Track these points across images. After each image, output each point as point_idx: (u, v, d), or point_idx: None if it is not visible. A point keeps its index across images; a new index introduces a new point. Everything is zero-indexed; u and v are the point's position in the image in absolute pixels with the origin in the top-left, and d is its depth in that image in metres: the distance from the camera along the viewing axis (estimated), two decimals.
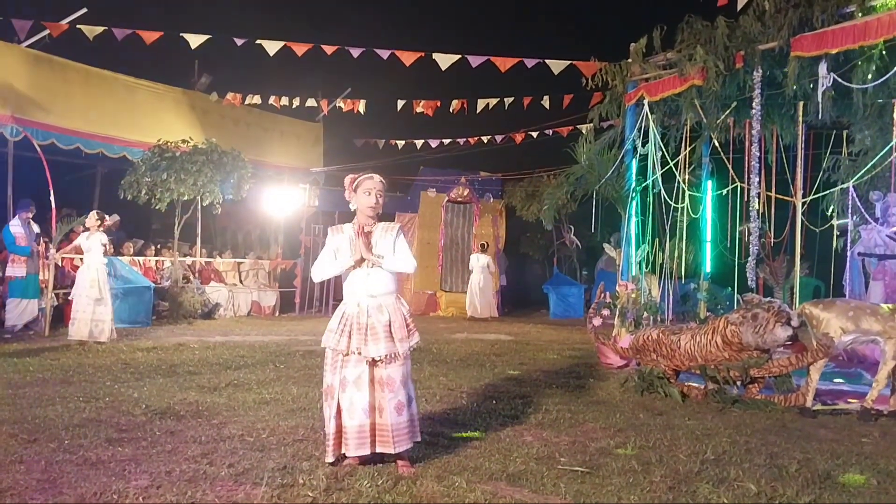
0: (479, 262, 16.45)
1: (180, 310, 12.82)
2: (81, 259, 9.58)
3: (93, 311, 9.30)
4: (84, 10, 11.79)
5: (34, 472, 3.97)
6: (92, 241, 9.39)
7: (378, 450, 4.21)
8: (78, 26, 11.47)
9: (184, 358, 8.40)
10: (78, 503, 3.58)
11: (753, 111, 8.08)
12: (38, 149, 10.82)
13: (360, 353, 4.21)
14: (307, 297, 16.11)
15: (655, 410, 6.17)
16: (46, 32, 12.06)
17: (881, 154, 8.47)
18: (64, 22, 11.71)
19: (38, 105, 12.39)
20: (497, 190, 18.18)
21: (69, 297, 10.05)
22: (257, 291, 15.25)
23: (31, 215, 10.33)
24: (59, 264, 11.22)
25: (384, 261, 4.32)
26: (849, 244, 9.23)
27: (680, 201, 9.37)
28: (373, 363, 4.23)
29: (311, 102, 15.16)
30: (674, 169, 9.35)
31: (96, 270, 9.37)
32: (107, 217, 9.72)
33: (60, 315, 11.03)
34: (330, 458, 4.24)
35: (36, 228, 10.45)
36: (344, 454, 4.25)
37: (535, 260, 20.28)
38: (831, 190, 9.31)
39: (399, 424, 4.20)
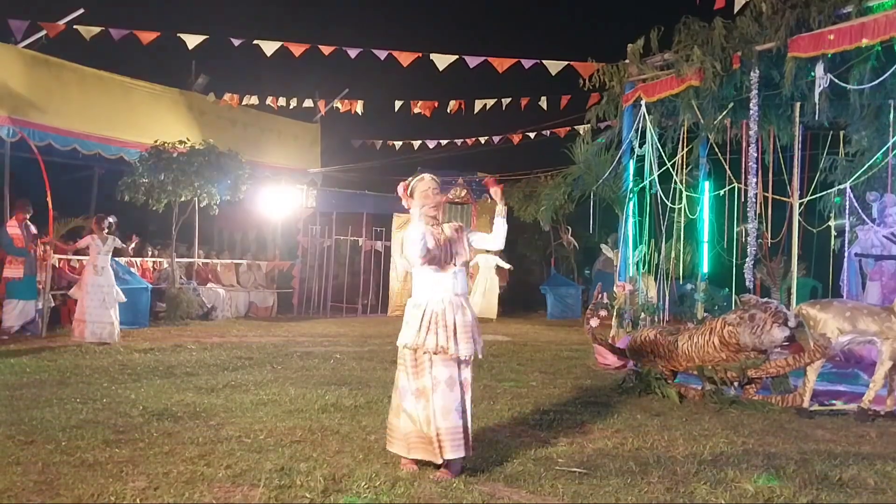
0: (488, 262, 15.64)
1: (178, 311, 12.79)
2: (80, 261, 9.58)
3: (104, 314, 9.41)
4: (81, 11, 11.75)
5: (31, 474, 3.97)
6: (109, 243, 9.63)
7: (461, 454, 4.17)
8: (75, 27, 11.44)
9: (181, 359, 8.39)
10: None
11: (750, 112, 8.09)
12: (35, 150, 10.79)
13: (446, 352, 4.14)
14: (305, 299, 16.09)
15: (653, 411, 6.18)
16: (43, 33, 12.01)
17: (878, 155, 8.49)
18: (61, 22, 11.67)
19: (35, 106, 12.35)
20: None
21: (74, 298, 10.06)
22: (255, 292, 15.23)
23: (28, 216, 10.31)
24: (57, 265, 11.20)
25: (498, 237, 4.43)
26: (846, 245, 9.24)
27: (677, 202, 9.38)
28: (459, 363, 4.21)
29: (308, 103, 15.14)
30: (671, 170, 9.36)
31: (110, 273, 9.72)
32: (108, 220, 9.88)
33: (57, 316, 11.01)
34: (407, 455, 4.24)
35: (33, 230, 10.42)
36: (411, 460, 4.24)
37: (533, 261, 20.27)
38: (829, 191, 9.32)
39: (468, 428, 4.22)
